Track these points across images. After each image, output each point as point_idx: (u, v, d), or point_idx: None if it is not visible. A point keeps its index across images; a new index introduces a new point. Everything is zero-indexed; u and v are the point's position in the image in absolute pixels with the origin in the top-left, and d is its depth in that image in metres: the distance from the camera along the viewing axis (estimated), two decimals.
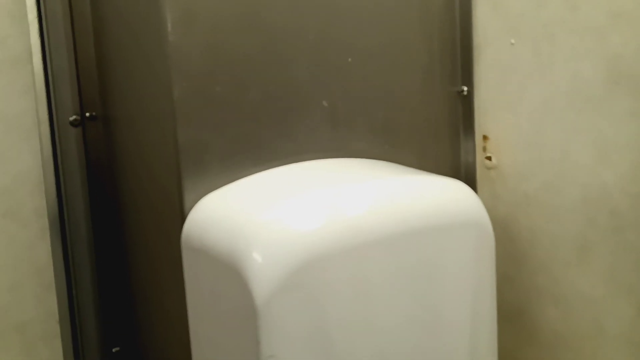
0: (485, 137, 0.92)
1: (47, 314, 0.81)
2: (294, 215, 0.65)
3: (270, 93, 0.74)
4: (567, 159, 0.82)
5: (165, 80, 0.68)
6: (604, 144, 0.78)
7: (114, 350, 0.87)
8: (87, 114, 0.84)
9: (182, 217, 0.70)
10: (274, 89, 0.74)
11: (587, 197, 0.81)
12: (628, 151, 0.76)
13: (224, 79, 0.71)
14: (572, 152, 0.82)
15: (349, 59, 0.80)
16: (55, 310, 0.82)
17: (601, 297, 0.81)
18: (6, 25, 0.78)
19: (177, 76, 0.68)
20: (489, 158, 0.92)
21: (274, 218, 0.64)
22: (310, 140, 0.78)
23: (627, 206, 0.77)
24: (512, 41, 0.86)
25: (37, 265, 0.81)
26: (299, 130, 0.77)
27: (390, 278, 0.67)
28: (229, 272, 0.62)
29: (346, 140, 0.81)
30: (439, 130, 0.92)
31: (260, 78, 0.73)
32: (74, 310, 0.84)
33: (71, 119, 0.82)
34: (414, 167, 0.86)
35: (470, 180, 0.95)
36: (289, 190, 0.70)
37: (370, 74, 0.82)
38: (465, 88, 0.92)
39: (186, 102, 0.69)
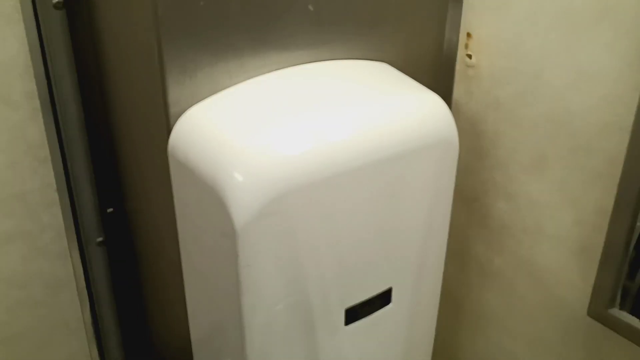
0: (469, 35, 0.93)
1: (45, 185, 0.89)
2: (276, 142, 0.69)
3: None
4: (541, 77, 0.85)
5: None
6: (578, 72, 0.81)
7: (108, 211, 0.96)
8: None
9: (168, 128, 0.74)
10: None
11: (551, 116, 0.86)
12: (597, 84, 0.79)
13: None
14: (546, 72, 0.84)
15: None
16: (52, 181, 0.89)
17: (546, 203, 0.91)
18: None
19: None
20: (470, 56, 0.94)
21: (257, 143, 0.69)
22: (296, 43, 0.80)
23: (585, 133, 0.83)
24: None
25: (32, 143, 0.86)
26: (284, 34, 0.78)
27: (359, 203, 0.74)
28: (211, 193, 0.69)
29: (332, 40, 0.82)
30: (425, 24, 0.92)
31: None
32: (69, 179, 0.91)
33: (54, 1, 0.80)
34: (397, 60, 0.89)
35: (448, 74, 0.97)
36: (271, 111, 0.74)
37: None
38: None
39: (170, 17, 0.69)
